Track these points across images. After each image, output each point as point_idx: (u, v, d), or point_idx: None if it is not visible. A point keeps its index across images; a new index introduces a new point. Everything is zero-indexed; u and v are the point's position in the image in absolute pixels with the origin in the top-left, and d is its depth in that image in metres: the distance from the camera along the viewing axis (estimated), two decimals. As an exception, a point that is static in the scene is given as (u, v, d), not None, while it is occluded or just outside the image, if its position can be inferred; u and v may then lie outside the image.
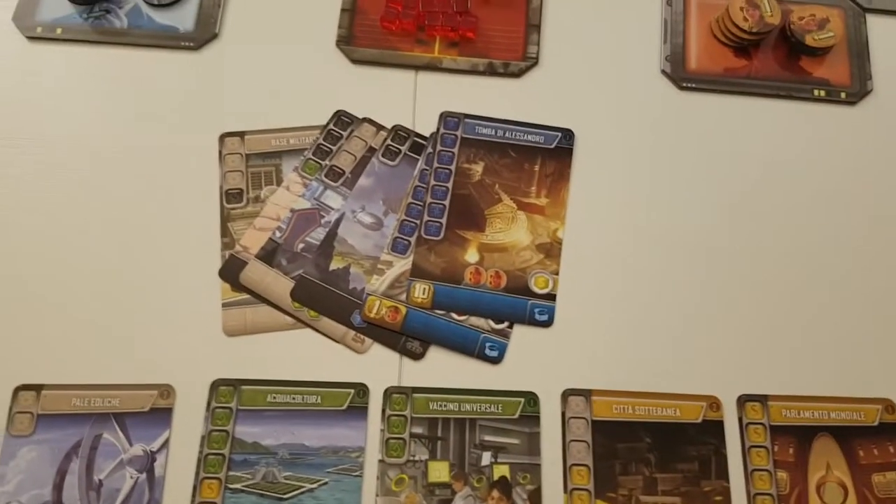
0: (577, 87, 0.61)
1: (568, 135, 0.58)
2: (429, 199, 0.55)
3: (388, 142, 0.58)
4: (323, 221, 0.55)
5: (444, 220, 0.55)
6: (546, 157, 0.57)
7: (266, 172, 0.57)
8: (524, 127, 0.58)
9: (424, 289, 0.53)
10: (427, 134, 0.58)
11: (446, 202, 0.55)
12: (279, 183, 0.57)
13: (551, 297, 0.53)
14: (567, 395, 0.50)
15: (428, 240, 0.54)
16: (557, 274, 0.53)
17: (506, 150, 0.57)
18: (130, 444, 0.49)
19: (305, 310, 0.52)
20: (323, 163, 0.57)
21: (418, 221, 0.55)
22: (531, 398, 0.50)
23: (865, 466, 0.47)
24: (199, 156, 0.57)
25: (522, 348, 0.52)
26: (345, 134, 0.58)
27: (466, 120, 0.58)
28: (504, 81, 0.61)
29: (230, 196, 0.56)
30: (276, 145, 0.58)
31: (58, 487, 0.48)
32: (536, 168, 0.57)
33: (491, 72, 0.60)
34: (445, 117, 0.58)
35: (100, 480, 0.48)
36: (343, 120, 0.59)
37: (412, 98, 0.60)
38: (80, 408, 0.50)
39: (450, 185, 0.55)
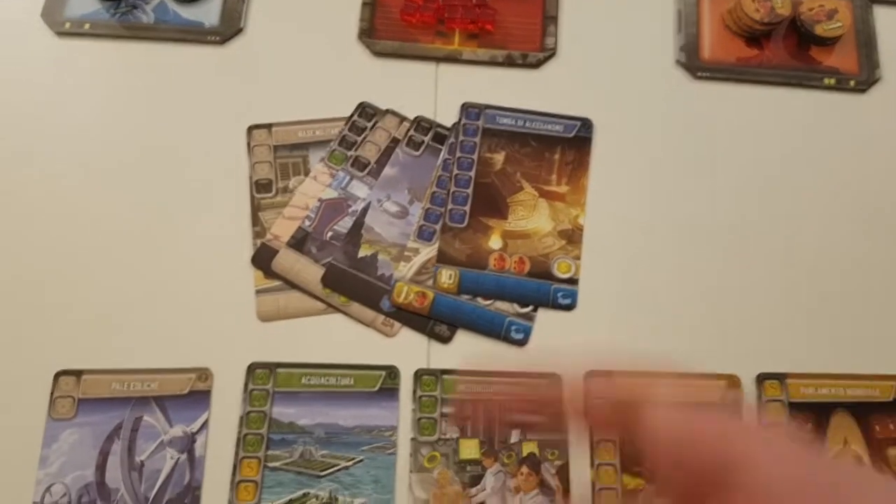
0: (595, 77, 0.62)
1: (586, 124, 0.59)
2: (452, 188, 0.56)
3: (411, 132, 0.59)
4: (350, 210, 0.57)
5: (467, 208, 0.56)
6: (566, 145, 0.59)
7: (294, 163, 0.58)
8: (544, 117, 0.60)
9: (450, 274, 0.54)
10: (449, 125, 0.60)
11: (469, 190, 0.57)
12: (307, 173, 0.58)
13: (574, 281, 0.55)
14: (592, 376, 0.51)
15: (452, 227, 0.56)
16: (579, 259, 0.55)
17: (526, 140, 0.59)
18: (170, 426, 0.50)
19: (336, 295, 0.54)
20: (348, 153, 0.59)
21: (443, 210, 0.56)
22: (557, 381, 0.52)
23: (881, 441, 0.49)
24: (228, 148, 0.58)
25: (546, 331, 0.54)
26: (369, 125, 0.60)
27: (487, 110, 0.60)
28: (523, 72, 0.62)
29: (259, 186, 0.57)
30: (302, 137, 0.59)
31: (100, 468, 0.49)
32: (556, 157, 0.58)
33: (510, 63, 0.62)
34: (467, 108, 0.60)
35: (141, 461, 0.50)
36: (367, 111, 0.60)
37: (433, 89, 0.61)
38: (120, 392, 0.51)
39: (472, 174, 0.57)
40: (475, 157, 0.58)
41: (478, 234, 0.56)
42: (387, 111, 0.60)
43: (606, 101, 0.61)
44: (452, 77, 0.62)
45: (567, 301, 0.54)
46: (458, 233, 0.56)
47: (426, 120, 0.60)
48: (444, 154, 0.58)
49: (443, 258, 0.55)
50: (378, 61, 0.62)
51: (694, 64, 0.63)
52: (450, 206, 0.56)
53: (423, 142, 0.59)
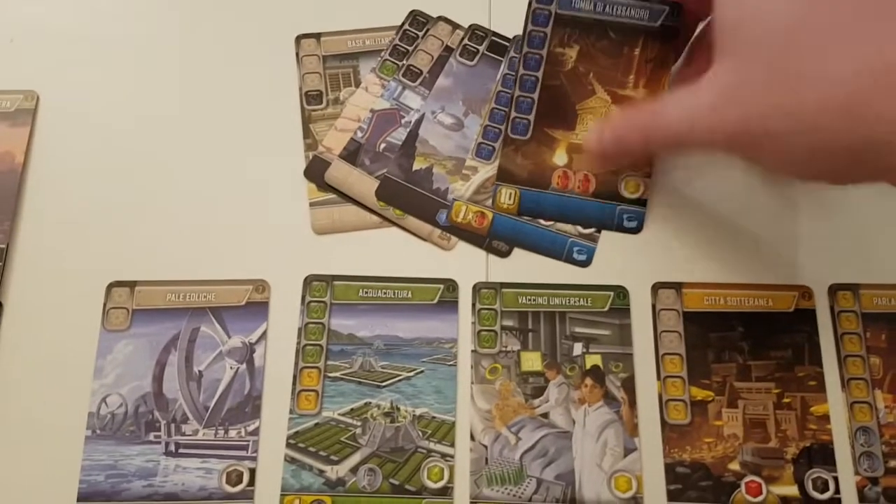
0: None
1: (675, 10, 0.50)
2: (517, 92, 0.51)
3: (466, 41, 0.57)
4: (403, 122, 0.55)
5: (531, 117, 0.52)
6: (649, 38, 0.50)
7: (344, 74, 0.56)
8: (624, 1, 0.51)
9: (510, 194, 0.51)
10: (505, 33, 0.57)
11: (535, 95, 0.51)
12: (357, 84, 0.56)
13: (642, 202, 0.51)
14: (657, 287, 0.50)
15: (515, 140, 0.52)
16: (650, 177, 0.52)
17: (604, 30, 0.51)
18: (228, 337, 0.50)
19: (391, 209, 0.53)
20: (400, 63, 0.56)
21: (503, 127, 0.54)
22: (621, 291, 0.50)
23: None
24: (276, 59, 0.56)
25: (611, 250, 0.52)
26: (420, 34, 0.57)
27: None
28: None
29: (310, 98, 0.56)
30: (352, 46, 0.57)
31: (157, 379, 0.49)
32: (637, 52, 0.51)
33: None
34: None
35: (199, 371, 0.49)
36: (418, 20, 0.58)
37: (487, -2, 0.59)
38: (176, 303, 0.50)
39: (540, 74, 0.51)
40: (544, 52, 0.51)
41: (542, 147, 0.51)
42: (439, 18, 0.58)
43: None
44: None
45: (633, 224, 0.51)
46: (521, 146, 0.51)
47: (481, 28, 0.57)
48: (504, 68, 0.56)
49: (503, 175, 0.51)
50: (429, -31, 0.59)
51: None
52: (513, 115, 0.51)
53: (477, 51, 0.57)
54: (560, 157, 0.51)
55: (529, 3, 0.51)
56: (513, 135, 0.51)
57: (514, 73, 0.54)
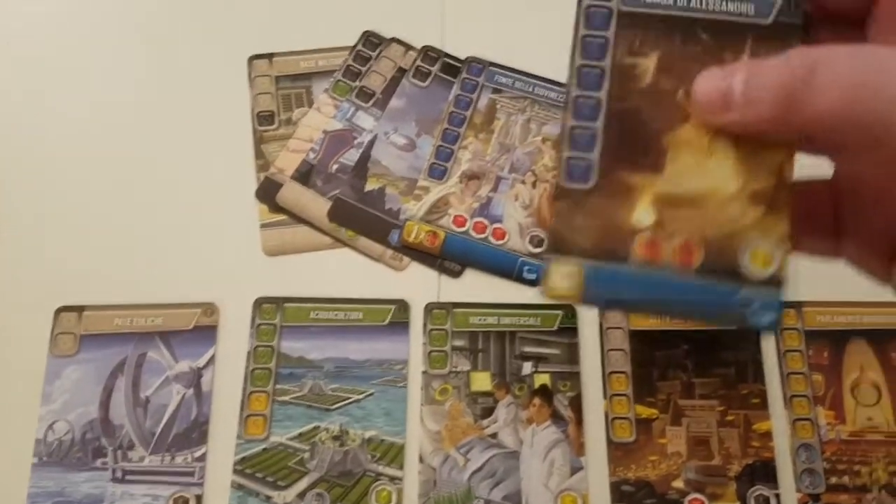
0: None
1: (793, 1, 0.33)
2: (571, 122, 0.31)
3: (418, 62, 0.57)
4: (356, 142, 0.55)
5: (594, 156, 0.32)
6: (759, 37, 0.32)
7: (296, 94, 0.57)
8: None
9: (570, 272, 0.31)
10: (458, 54, 0.57)
11: (597, 124, 0.32)
12: (310, 105, 0.56)
13: (777, 281, 0.30)
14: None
15: (571, 190, 0.31)
16: (787, 241, 0.30)
17: (693, 30, 0.32)
18: (176, 361, 0.49)
19: (343, 230, 0.53)
20: (353, 84, 0.57)
21: (454, 147, 0.54)
22: (570, 311, 0.51)
23: (898, 368, 0.49)
24: (228, 79, 0.56)
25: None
26: (374, 55, 0.58)
27: None
28: None
29: (262, 118, 0.56)
30: (305, 67, 0.57)
31: (104, 405, 0.48)
32: (745, 58, 0.32)
33: (519, -9, 0.60)
34: None
35: (146, 397, 0.49)
36: (371, 41, 0.58)
37: (440, 17, 0.59)
38: (123, 327, 0.50)
39: (602, 94, 0.32)
40: (606, 63, 0.33)
41: (614, 200, 0.32)
42: (392, 40, 0.58)
43: None
44: (460, 5, 0.59)
45: (766, 318, 0.29)
46: (581, 199, 0.31)
47: (434, 49, 0.58)
48: (456, 89, 0.56)
49: (556, 243, 0.31)
50: (382, -10, 0.60)
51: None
52: (567, 154, 0.32)
53: (430, 72, 0.57)
54: (643, 215, 0.32)
55: (579, 2, 0.33)
56: (568, 183, 0.32)
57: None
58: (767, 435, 0.47)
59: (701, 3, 0.33)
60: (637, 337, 0.50)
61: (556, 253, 0.31)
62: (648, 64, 0.34)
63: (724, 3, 0.33)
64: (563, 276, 0.31)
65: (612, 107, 0.32)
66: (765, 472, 0.46)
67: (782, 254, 0.31)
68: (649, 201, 0.32)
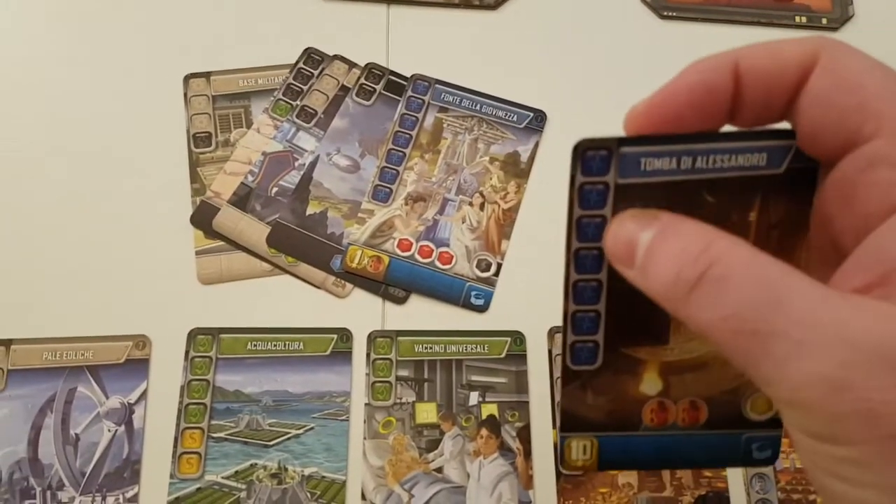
0: (556, 18, 0.59)
1: (801, 156, 0.28)
2: (572, 307, 0.30)
3: (362, 80, 0.55)
4: (297, 164, 0.53)
5: (600, 337, 0.31)
6: (770, 192, 0.30)
7: (234, 114, 0.54)
8: (725, 143, 0.27)
9: (585, 446, 0.32)
10: (402, 72, 0.56)
11: (600, 307, 0.31)
12: (249, 125, 0.54)
13: (775, 424, 0.32)
14: (554, 332, 0.49)
15: (579, 372, 0.31)
16: None
17: (698, 194, 0.29)
18: (107, 397, 0.47)
19: (283, 256, 0.51)
20: (294, 103, 0.55)
21: (399, 169, 0.53)
22: (518, 337, 0.49)
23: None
24: (163, 98, 0.54)
25: (508, 294, 0.51)
26: (315, 73, 0.56)
27: (624, 149, 0.25)
28: (480, 14, 0.58)
29: (198, 140, 0.53)
30: (243, 86, 0.55)
31: (33, 443, 0.46)
32: (752, 216, 0.30)
33: (466, 4, 0.58)
34: (583, 151, 0.24)
35: (76, 434, 0.46)
36: (313, 58, 0.56)
37: (385, 33, 0.57)
38: (52, 361, 0.48)
39: (603, 276, 0.29)
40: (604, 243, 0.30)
41: (621, 376, 0.33)
42: (335, 57, 0.56)
43: (570, 43, 0.58)
44: (405, 20, 0.58)
45: (766, 455, 0.32)
46: (589, 380, 0.32)
47: (378, 67, 0.56)
48: (401, 108, 0.55)
49: (570, 423, 0.32)
50: (326, 4, 0.58)
51: (660, 3, 0.59)
52: (570, 339, 0.31)
53: (374, 90, 0.55)
54: (651, 385, 0.33)
55: (572, 181, 0.29)
56: (574, 366, 0.32)
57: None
58: (719, 464, 0.46)
59: (707, 163, 0.29)
60: (586, 364, 0.48)
61: (570, 432, 0.32)
62: None
63: (734, 157, 0.29)
64: (580, 449, 0.33)
65: (613, 286, 0.30)
66: (718, 503, 0.45)
67: None
68: (656, 371, 0.32)
